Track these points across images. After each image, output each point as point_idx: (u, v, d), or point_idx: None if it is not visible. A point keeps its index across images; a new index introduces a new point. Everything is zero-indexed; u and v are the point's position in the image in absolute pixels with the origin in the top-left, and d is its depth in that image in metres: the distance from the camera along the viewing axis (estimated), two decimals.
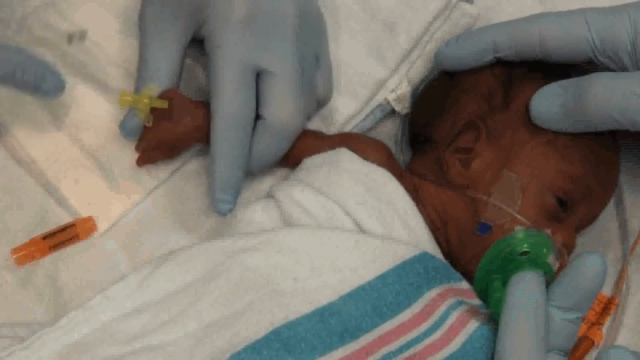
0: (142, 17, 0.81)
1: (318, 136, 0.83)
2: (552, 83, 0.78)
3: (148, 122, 0.78)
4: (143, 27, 0.81)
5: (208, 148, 0.78)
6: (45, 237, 0.80)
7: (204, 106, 0.79)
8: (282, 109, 0.78)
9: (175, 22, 0.80)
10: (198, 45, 0.83)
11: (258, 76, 0.78)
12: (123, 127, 0.80)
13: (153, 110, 0.78)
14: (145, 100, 0.77)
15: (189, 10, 0.79)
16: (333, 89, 0.85)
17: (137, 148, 0.82)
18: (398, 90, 0.86)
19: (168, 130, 0.79)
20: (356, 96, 0.85)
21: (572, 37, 0.78)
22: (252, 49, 0.77)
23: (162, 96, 0.79)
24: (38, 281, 0.80)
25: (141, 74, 0.80)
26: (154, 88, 0.79)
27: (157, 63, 0.80)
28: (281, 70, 0.78)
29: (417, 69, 0.86)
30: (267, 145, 0.79)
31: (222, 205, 0.77)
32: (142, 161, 0.82)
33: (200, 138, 0.80)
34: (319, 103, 0.84)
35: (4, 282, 0.80)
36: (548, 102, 0.77)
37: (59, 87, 0.78)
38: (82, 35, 0.84)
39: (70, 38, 0.84)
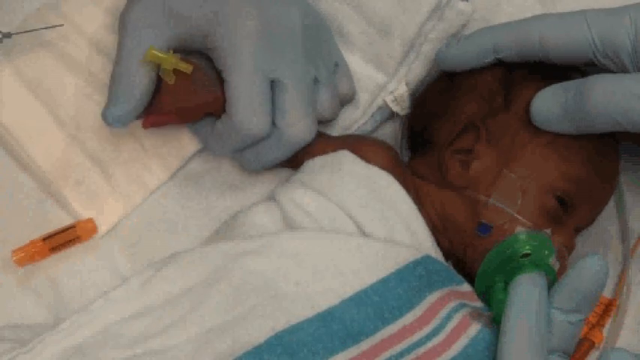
0: (122, 22, 0.78)
1: (321, 137, 0.82)
2: (553, 85, 0.78)
3: (170, 80, 0.76)
4: (122, 36, 0.77)
5: (209, 150, 0.78)
6: (45, 238, 0.80)
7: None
8: (296, 121, 0.78)
9: (159, 33, 0.77)
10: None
11: (272, 86, 0.78)
12: (113, 112, 0.76)
13: (174, 72, 0.76)
14: (173, 60, 0.75)
15: (178, 21, 0.77)
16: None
17: (147, 112, 0.78)
18: (395, 91, 0.85)
19: (187, 96, 0.77)
20: (357, 101, 0.85)
21: (572, 38, 0.77)
22: (266, 59, 0.77)
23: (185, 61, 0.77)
24: (39, 283, 0.80)
25: (112, 89, 0.77)
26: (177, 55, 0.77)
27: (130, 78, 0.76)
28: (293, 81, 0.78)
29: (415, 70, 0.86)
30: (277, 153, 0.79)
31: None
32: (149, 124, 0.79)
33: (216, 110, 0.78)
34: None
35: (4, 283, 0.80)
36: (549, 103, 0.77)
37: None
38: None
39: None
